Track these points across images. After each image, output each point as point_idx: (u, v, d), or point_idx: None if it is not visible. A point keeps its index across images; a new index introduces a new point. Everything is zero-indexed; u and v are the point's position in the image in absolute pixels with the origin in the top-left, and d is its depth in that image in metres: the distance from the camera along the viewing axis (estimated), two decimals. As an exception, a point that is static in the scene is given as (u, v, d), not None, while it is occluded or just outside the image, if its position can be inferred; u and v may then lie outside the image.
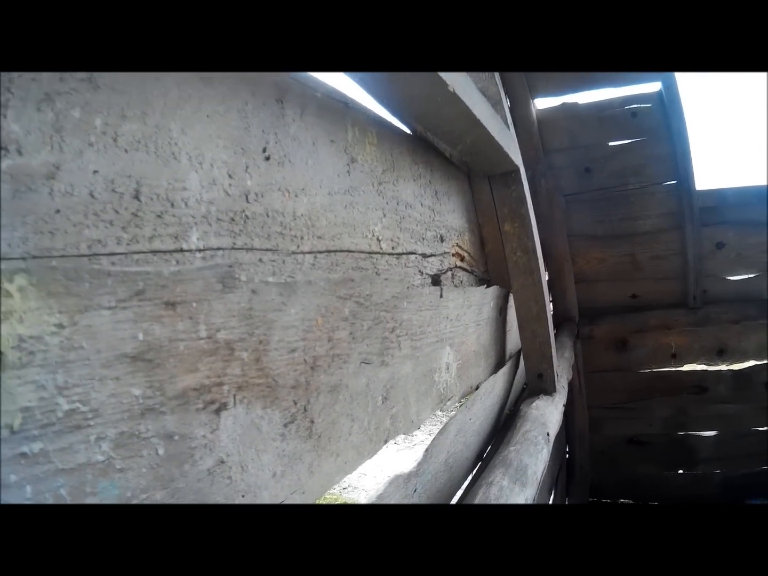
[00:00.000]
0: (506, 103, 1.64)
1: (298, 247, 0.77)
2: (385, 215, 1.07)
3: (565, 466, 3.68)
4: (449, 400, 1.26)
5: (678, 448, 3.75)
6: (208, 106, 0.67)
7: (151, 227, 0.56)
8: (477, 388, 1.43)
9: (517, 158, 1.52)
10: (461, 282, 1.49)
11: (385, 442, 0.93)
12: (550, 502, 3.04)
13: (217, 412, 0.57)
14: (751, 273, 3.34)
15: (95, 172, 0.52)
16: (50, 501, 0.44)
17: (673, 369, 3.58)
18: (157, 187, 0.58)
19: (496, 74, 1.61)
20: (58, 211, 0.48)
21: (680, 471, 3.86)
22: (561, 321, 3.32)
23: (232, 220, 0.67)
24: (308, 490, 0.72)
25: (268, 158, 0.75)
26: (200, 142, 0.65)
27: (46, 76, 0.48)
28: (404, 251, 1.13)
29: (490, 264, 1.77)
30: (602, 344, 3.50)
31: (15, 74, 0.46)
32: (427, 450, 1.08)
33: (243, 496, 0.60)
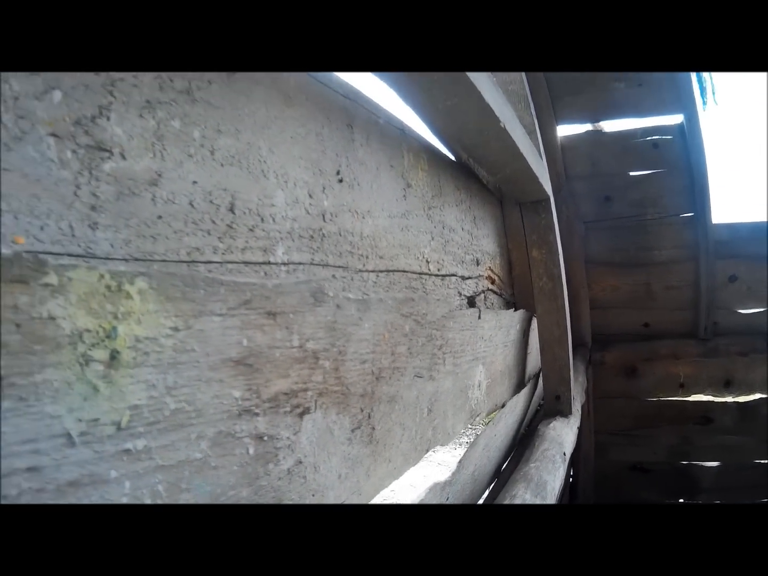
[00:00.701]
0: (539, 133, 1.68)
1: (364, 265, 0.82)
2: (433, 238, 1.11)
3: (568, 488, 3.68)
4: (478, 416, 1.30)
5: (680, 477, 3.75)
6: (290, 128, 0.71)
7: (244, 239, 0.61)
8: (503, 406, 1.47)
9: (548, 187, 1.57)
10: (492, 304, 1.53)
11: (427, 451, 0.97)
12: None
13: (301, 415, 0.62)
14: (761, 307, 3.35)
15: (194, 182, 0.56)
16: (147, 497, 0.47)
17: (680, 398, 3.58)
18: (249, 202, 0.62)
19: (531, 104, 1.65)
20: (160, 217, 0.52)
21: (681, 500, 3.85)
22: (575, 346, 3.31)
23: (311, 237, 0.71)
24: (364, 492, 0.76)
25: (341, 180, 0.80)
26: (285, 162, 0.69)
27: (146, 83, 0.52)
28: (447, 273, 1.18)
29: (517, 288, 1.81)
30: (612, 370, 3.52)
31: (117, 77, 0.49)
32: (460, 462, 1.12)
33: (313, 495, 0.64)
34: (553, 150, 3.10)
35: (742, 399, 3.55)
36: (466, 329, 1.17)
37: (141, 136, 0.51)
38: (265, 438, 0.57)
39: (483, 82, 0.80)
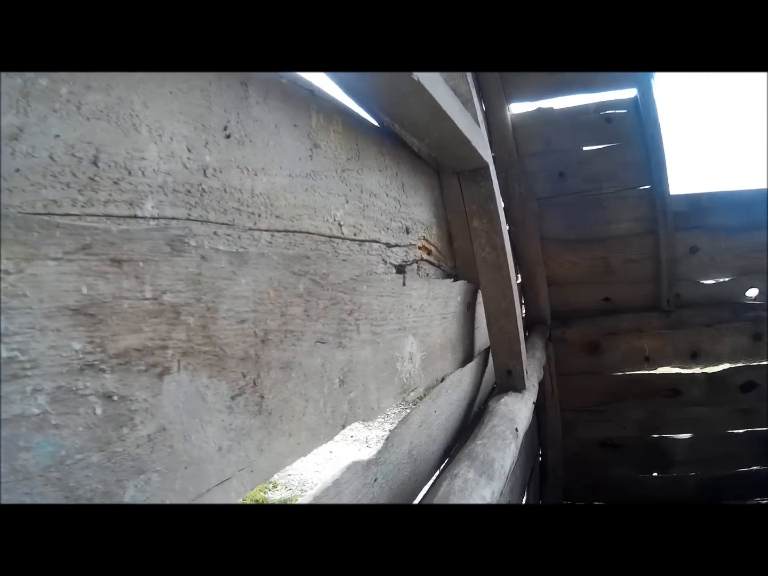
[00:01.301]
0: (479, 104, 1.66)
1: (255, 224, 0.78)
2: (347, 201, 1.07)
3: (537, 468, 3.70)
4: (413, 390, 1.26)
5: (652, 450, 3.81)
6: (171, 83, 0.68)
7: (107, 192, 0.57)
8: (442, 380, 1.43)
9: (486, 155, 1.54)
10: (427, 275, 1.50)
11: (343, 426, 0.93)
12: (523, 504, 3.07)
13: (160, 376, 0.57)
14: (725, 277, 3.42)
15: (56, 136, 0.54)
16: None
17: (647, 372, 3.64)
18: (116, 156, 0.59)
19: (469, 75, 1.62)
20: (17, 170, 0.50)
21: (654, 474, 3.91)
22: (533, 323, 3.36)
23: (188, 192, 0.67)
24: (257, 469, 0.71)
25: (228, 136, 0.76)
26: (161, 117, 0.66)
27: None
28: (367, 239, 1.14)
29: (458, 260, 1.78)
30: (575, 347, 3.54)
31: None
32: (387, 439, 1.08)
33: (186, 468, 0.59)
34: (503, 129, 3.13)
35: (710, 370, 3.63)
36: (386, 295, 1.13)
37: (7, 94, 0.49)
38: (115, 398, 0.52)
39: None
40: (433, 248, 1.57)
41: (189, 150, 0.69)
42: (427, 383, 1.35)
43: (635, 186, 3.27)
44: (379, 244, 1.20)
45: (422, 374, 1.32)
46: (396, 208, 1.33)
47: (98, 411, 0.51)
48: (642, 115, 3.11)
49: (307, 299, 0.83)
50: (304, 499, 0.81)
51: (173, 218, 0.64)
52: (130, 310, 0.54)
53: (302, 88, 0.97)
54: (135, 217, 0.59)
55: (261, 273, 0.72)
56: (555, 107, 3.26)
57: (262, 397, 0.73)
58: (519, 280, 3.27)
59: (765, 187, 3.25)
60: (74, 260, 0.49)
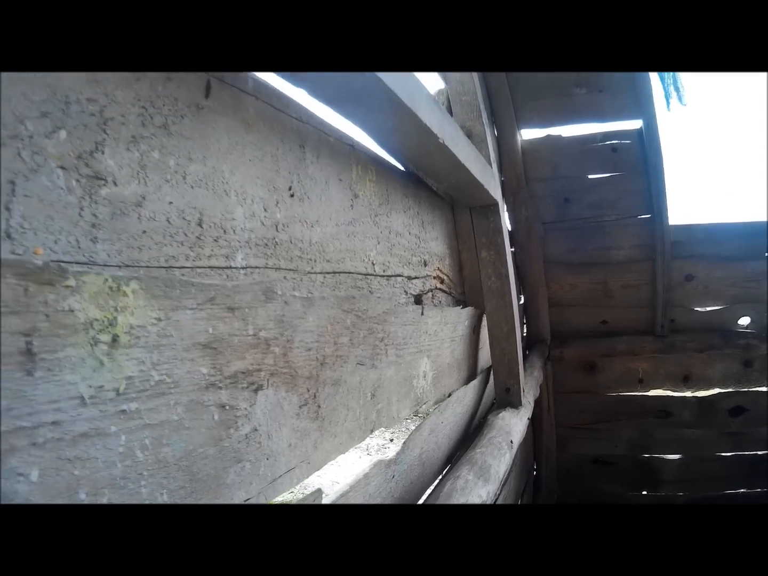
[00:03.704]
0: (491, 140, 1.85)
1: (312, 268, 0.99)
2: (379, 242, 1.28)
3: (531, 482, 3.87)
4: (425, 403, 1.47)
5: (642, 469, 3.96)
6: (249, 151, 0.88)
7: (210, 248, 0.78)
8: (449, 395, 1.64)
9: (496, 194, 1.74)
10: (440, 302, 1.70)
11: (371, 431, 1.14)
12: None
13: (256, 390, 0.78)
14: (718, 305, 3.58)
15: (170, 203, 0.72)
16: (137, 450, 0.62)
17: (640, 393, 3.79)
18: (214, 217, 0.79)
19: (484, 112, 1.83)
20: (144, 232, 0.67)
21: (644, 492, 4.06)
22: (533, 342, 3.53)
23: (266, 245, 0.88)
24: (312, 461, 0.93)
25: (292, 195, 0.97)
26: (244, 182, 0.86)
27: (132, 120, 0.67)
28: (393, 273, 1.35)
29: (467, 286, 1.98)
30: (572, 366, 3.72)
31: (109, 116, 0.64)
32: (405, 443, 1.29)
33: (267, 459, 0.81)
34: (513, 154, 3.30)
35: (700, 394, 3.76)
36: (409, 324, 1.34)
37: (128, 166, 0.66)
38: (227, 407, 0.73)
39: (421, 103, 0.96)
40: (445, 277, 1.78)
41: (265, 209, 0.90)
42: (436, 397, 1.56)
43: (636, 214, 3.44)
44: (402, 278, 1.41)
45: (433, 390, 1.53)
46: (416, 244, 1.54)
47: (216, 417, 0.72)
48: (646, 145, 3.29)
49: (352, 330, 1.04)
50: (341, 486, 1.01)
51: (256, 267, 0.85)
52: (238, 344, 0.75)
53: (345, 143, 1.18)
54: (230, 267, 0.80)
55: (322, 312, 0.93)
56: (563, 135, 3.43)
57: (319, 406, 0.94)
58: (522, 301, 3.47)
59: (759, 219, 3.42)
60: (204, 309, 0.70)
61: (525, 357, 2.99)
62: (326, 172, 1.10)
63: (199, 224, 0.76)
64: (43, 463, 0.50)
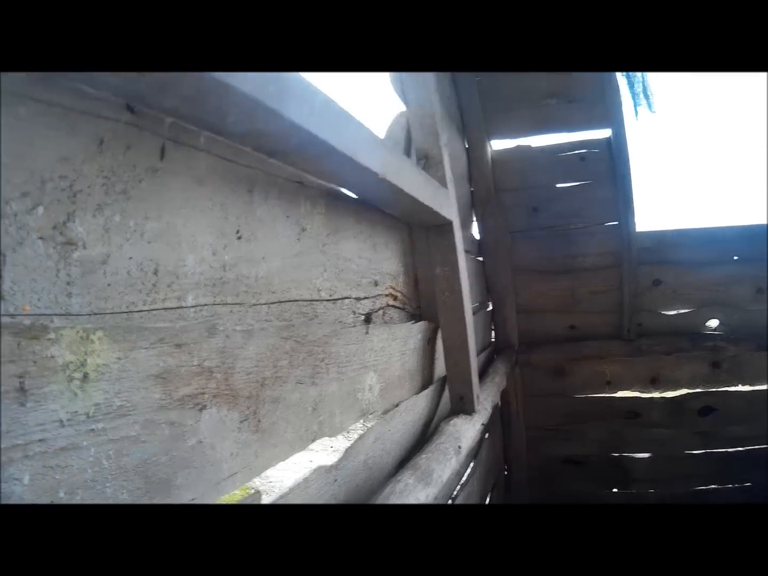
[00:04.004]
0: (447, 160, 2.01)
1: (257, 300, 1.19)
2: (326, 270, 1.48)
3: (502, 483, 4.09)
4: (371, 413, 1.67)
5: (612, 468, 4.19)
6: (201, 203, 1.06)
7: (164, 293, 0.97)
8: (397, 405, 1.84)
9: (450, 214, 1.93)
10: (391, 318, 1.90)
11: (313, 440, 1.34)
12: None
13: (200, 410, 0.99)
14: (686, 308, 3.81)
15: (130, 258, 0.89)
16: (103, 459, 0.80)
17: (608, 395, 4.01)
18: (168, 266, 0.98)
19: (444, 133, 2.02)
20: (109, 285, 0.86)
21: (615, 490, 4.29)
22: (502, 348, 3.73)
23: (214, 285, 1.08)
24: (253, 467, 1.13)
25: (239, 238, 1.15)
26: (195, 231, 1.04)
27: (96, 191, 0.83)
28: (340, 297, 1.55)
29: (423, 301, 2.19)
30: (541, 370, 3.93)
31: (78, 189, 0.81)
32: (346, 451, 1.49)
33: (211, 465, 1.01)
34: (483, 165, 3.52)
35: (669, 394, 3.99)
36: (352, 344, 1.54)
37: (95, 231, 0.82)
38: (176, 424, 0.93)
39: (359, 147, 1.13)
40: (399, 294, 1.99)
41: (213, 254, 1.08)
42: (384, 407, 1.76)
43: (603, 222, 3.67)
44: (350, 299, 1.61)
45: (380, 400, 1.73)
46: (367, 267, 1.74)
47: (167, 432, 0.93)
48: (614, 154, 3.51)
49: (291, 354, 1.24)
50: (281, 490, 1.21)
51: (205, 305, 1.05)
52: (185, 373, 0.96)
53: (294, 182, 1.36)
54: (181, 307, 1.01)
55: (261, 341, 1.14)
56: (533, 145, 3.63)
57: (259, 421, 1.15)
58: (490, 308, 3.69)
59: (729, 224, 3.67)
60: (156, 347, 0.90)
61: (490, 362, 3.21)
62: (273, 212, 1.28)
63: (155, 273, 0.95)
64: (32, 470, 0.69)
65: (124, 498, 0.84)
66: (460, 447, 1.89)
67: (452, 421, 2.03)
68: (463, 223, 3.18)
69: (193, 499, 0.97)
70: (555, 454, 4.25)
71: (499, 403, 3.90)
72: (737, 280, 3.74)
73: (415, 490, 1.48)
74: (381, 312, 1.83)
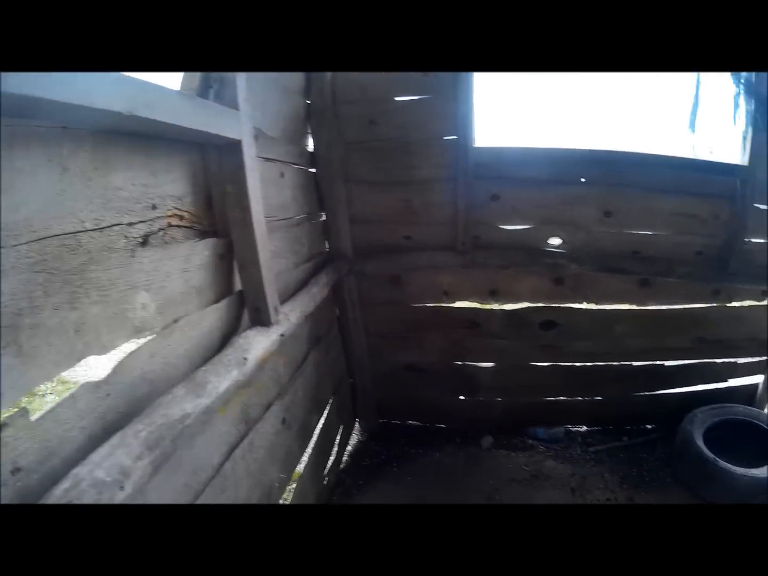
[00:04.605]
0: (241, 82, 2.24)
1: (18, 242, 1.42)
2: (91, 202, 1.68)
3: (347, 389, 4.59)
4: (148, 330, 1.92)
5: (456, 375, 4.70)
6: None
7: None
8: (176, 321, 2.08)
9: (238, 133, 2.19)
10: (173, 239, 2.12)
11: (79, 360, 1.59)
12: (321, 421, 3.87)
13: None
14: (527, 225, 4.18)
15: None
16: None
17: (447, 305, 4.41)
18: None
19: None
20: None
21: (462, 397, 4.83)
22: (335, 258, 4.01)
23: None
24: (19, 386, 1.40)
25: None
26: None
27: None
28: (108, 225, 1.76)
29: (217, 219, 2.42)
30: (377, 280, 4.27)
31: None
32: (114, 367, 1.74)
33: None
34: (321, 79, 3.70)
35: (509, 307, 4.44)
36: (115, 267, 1.75)
37: None
38: None
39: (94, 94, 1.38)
40: (186, 213, 2.21)
41: None
42: (164, 324, 2.01)
43: (441, 136, 3.92)
44: (121, 226, 1.81)
45: (159, 318, 1.97)
46: (143, 193, 1.94)
47: None
48: (456, 70, 3.67)
49: (45, 285, 1.49)
50: (48, 406, 1.48)
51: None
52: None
53: (58, 128, 1.56)
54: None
55: (15, 278, 1.40)
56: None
57: (20, 347, 1.40)
58: (324, 218, 3.96)
59: (573, 147, 4.00)
60: None
61: (314, 273, 3.55)
62: (34, 160, 1.49)
63: None
64: None
65: None
66: (246, 358, 2.16)
67: (245, 333, 2.33)
68: (292, 137, 3.48)
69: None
70: (397, 361, 4.69)
71: (338, 312, 4.36)
72: (583, 202, 4.11)
73: (183, 401, 1.75)
74: (161, 233, 2.05)
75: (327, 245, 4.16)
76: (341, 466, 4.55)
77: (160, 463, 1.55)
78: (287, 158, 3.34)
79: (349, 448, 4.82)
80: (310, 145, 3.84)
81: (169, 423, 1.64)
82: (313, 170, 3.86)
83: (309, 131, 3.83)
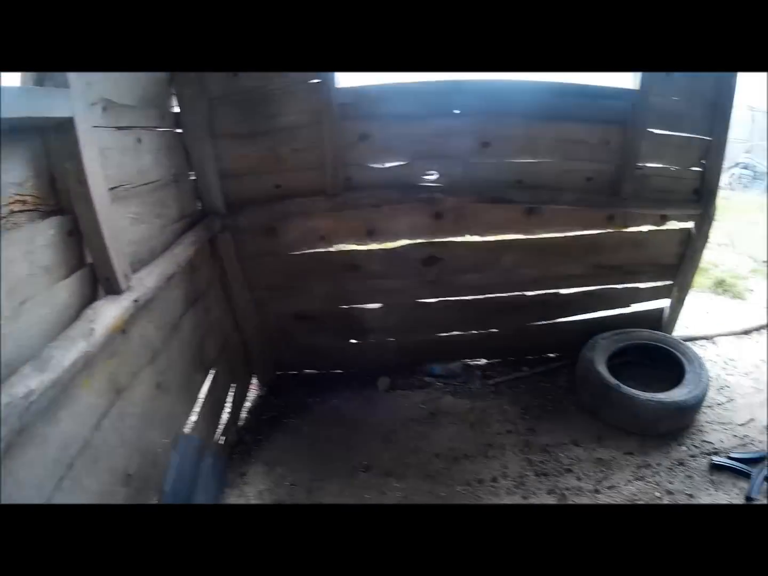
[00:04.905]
0: None
1: None
2: None
3: (236, 344, 4.64)
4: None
5: (345, 320, 4.83)
6: None
7: None
8: (24, 303, 2.15)
9: (68, 111, 2.26)
10: (15, 224, 2.17)
11: None
12: (208, 381, 3.96)
13: None
14: (400, 161, 4.26)
15: None
16: None
17: (326, 250, 4.50)
18: None
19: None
20: None
21: (354, 341, 4.98)
22: (207, 215, 4.06)
23: None
24: None
25: None
26: None
27: None
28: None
29: (62, 196, 2.46)
30: (252, 232, 4.30)
31: None
32: None
33: None
34: None
35: (388, 246, 4.54)
36: None
37: None
38: None
39: None
40: (29, 197, 2.26)
41: None
42: (11, 307, 2.06)
43: (305, 80, 3.92)
44: None
45: (6, 302, 2.02)
46: None
47: None
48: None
49: None
50: None
51: None
52: None
53: None
54: None
55: None
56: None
57: None
58: (193, 177, 3.99)
59: (446, 79, 3.99)
60: None
61: (182, 234, 3.60)
62: None
63: None
64: None
65: None
66: (93, 329, 2.26)
67: (94, 304, 2.42)
68: (153, 101, 3.50)
69: None
70: (286, 312, 4.79)
71: (223, 268, 4.39)
72: (458, 133, 4.16)
73: (27, 379, 1.84)
74: (3, 221, 2.10)
75: (200, 204, 4.15)
76: (240, 423, 4.63)
77: (10, 439, 1.67)
78: (146, 123, 3.36)
79: (247, 404, 4.90)
80: (177, 107, 3.83)
81: (14, 402, 1.71)
82: (180, 131, 3.87)
83: (174, 92, 3.82)
